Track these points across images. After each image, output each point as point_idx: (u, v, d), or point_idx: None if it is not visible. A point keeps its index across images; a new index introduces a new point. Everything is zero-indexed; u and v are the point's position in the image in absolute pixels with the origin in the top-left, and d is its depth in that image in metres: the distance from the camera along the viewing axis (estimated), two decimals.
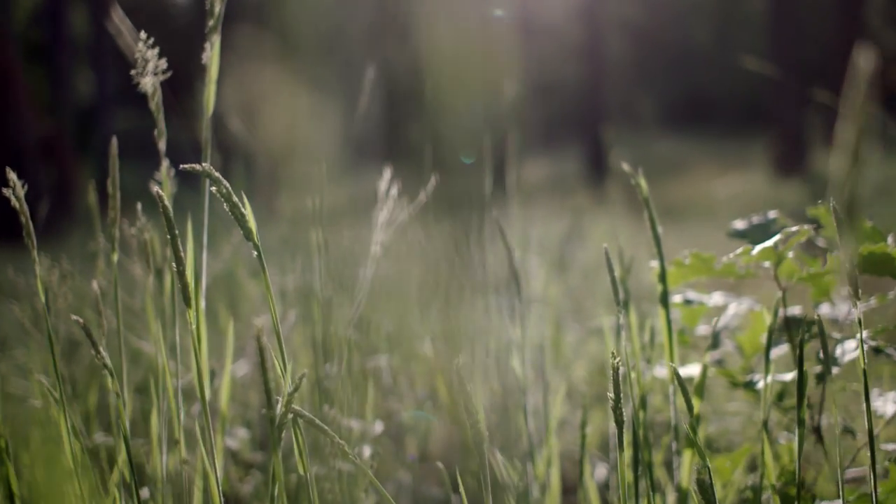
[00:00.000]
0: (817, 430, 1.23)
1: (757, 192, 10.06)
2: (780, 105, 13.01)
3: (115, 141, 1.18)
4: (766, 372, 1.08)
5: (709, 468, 0.83)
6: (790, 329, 1.19)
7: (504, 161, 1.90)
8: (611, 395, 0.81)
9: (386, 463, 1.68)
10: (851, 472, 1.44)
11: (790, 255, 1.12)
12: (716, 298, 1.20)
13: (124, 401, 1.16)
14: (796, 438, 0.95)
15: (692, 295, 1.24)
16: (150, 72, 1.11)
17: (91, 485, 1.21)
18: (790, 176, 11.35)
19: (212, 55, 1.10)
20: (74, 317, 1.03)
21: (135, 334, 1.84)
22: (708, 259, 1.14)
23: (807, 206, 1.22)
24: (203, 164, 0.89)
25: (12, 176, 1.04)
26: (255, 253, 0.89)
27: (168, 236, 0.86)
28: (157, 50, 1.11)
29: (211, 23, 1.11)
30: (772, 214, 1.24)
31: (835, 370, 1.20)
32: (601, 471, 1.71)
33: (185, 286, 0.85)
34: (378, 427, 1.63)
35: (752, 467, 1.56)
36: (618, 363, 0.80)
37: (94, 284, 1.19)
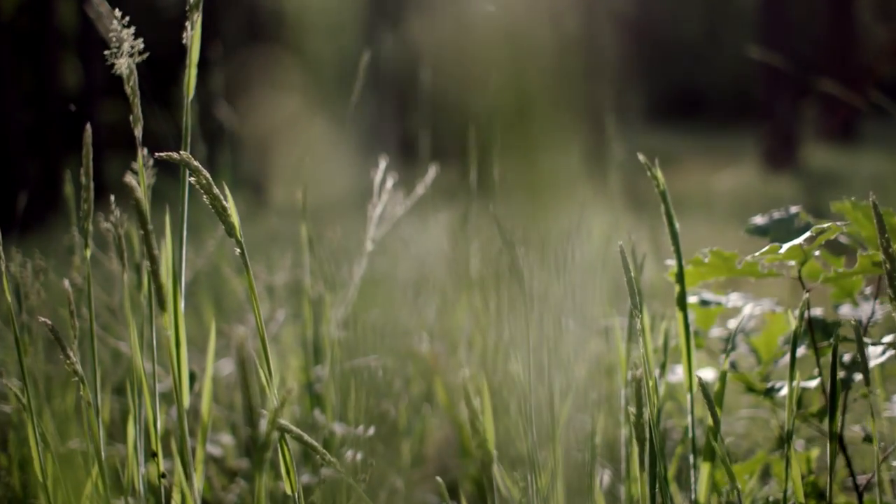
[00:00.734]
0: (839, 439, 1.16)
1: (749, 185, 10.00)
2: (771, 99, 12.96)
3: (88, 128, 1.09)
4: (791, 378, 1.00)
5: (738, 490, 0.75)
6: (812, 331, 1.11)
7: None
8: (632, 409, 0.73)
9: (379, 468, 1.60)
10: (862, 479, 1.37)
11: (816, 253, 1.04)
12: (734, 299, 1.12)
13: (97, 409, 1.07)
14: (828, 455, 0.88)
15: (708, 295, 1.16)
16: (126, 53, 1.02)
17: (64, 498, 1.13)
18: (781, 170, 11.30)
19: (193, 35, 1.01)
20: (42, 319, 0.95)
21: (113, 334, 1.75)
22: (729, 257, 1.06)
23: (801, 200, 1.15)
24: (181, 153, 0.81)
25: None
26: (238, 250, 0.80)
27: (141, 232, 0.78)
28: (133, 29, 1.03)
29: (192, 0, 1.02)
30: (793, 209, 1.17)
31: (857, 376, 1.12)
32: (605, 478, 1.63)
33: (159, 287, 0.76)
34: (371, 431, 1.55)
35: (764, 473, 1.49)
36: (639, 375, 0.73)
37: (66, 282, 1.10)
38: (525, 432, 1.04)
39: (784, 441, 1.28)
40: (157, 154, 0.87)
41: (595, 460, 1.09)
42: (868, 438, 1.21)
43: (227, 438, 1.67)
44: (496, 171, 1.61)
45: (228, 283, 2.12)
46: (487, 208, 1.83)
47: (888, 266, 0.83)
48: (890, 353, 1.12)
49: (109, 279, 1.74)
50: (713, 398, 1.00)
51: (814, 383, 1.09)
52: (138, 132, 1.03)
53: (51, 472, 1.15)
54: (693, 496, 1.01)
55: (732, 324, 1.27)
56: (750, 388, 1.18)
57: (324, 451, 0.79)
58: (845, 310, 1.23)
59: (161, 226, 1.03)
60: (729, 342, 1.18)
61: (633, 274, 0.92)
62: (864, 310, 1.19)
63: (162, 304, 0.78)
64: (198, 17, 1.02)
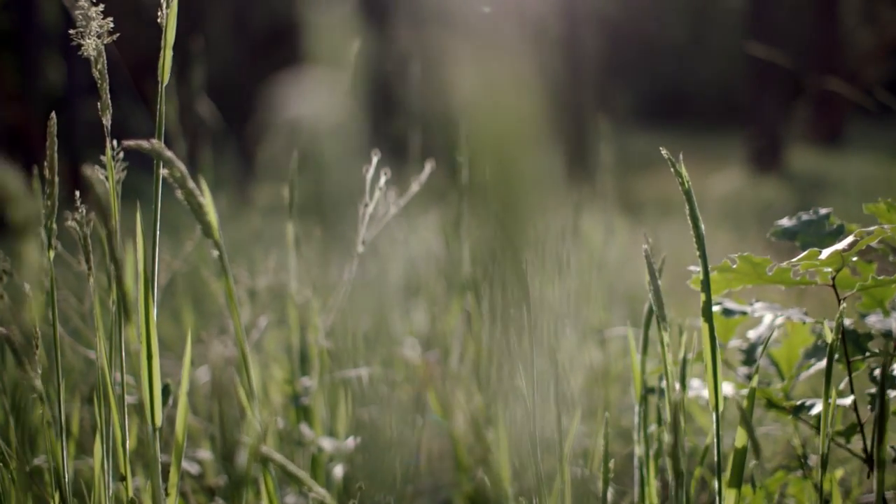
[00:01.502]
0: (870, 459, 1.07)
1: (736, 188, 9.95)
2: (757, 102, 12.93)
3: (53, 118, 0.98)
4: (826, 395, 0.91)
5: None
6: (844, 344, 1.02)
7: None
8: (668, 437, 0.64)
9: (368, 486, 1.50)
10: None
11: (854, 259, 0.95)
12: (759, 308, 1.03)
13: (61, 426, 0.97)
14: (875, 484, 0.78)
15: (731, 304, 1.07)
16: (93, 33, 0.92)
17: None
18: (767, 172, 11.27)
19: (168, 13, 0.91)
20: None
21: (84, 342, 1.64)
22: (760, 263, 0.96)
23: (792, 202, 1.06)
24: (152, 140, 0.71)
25: None
26: (217, 252, 0.70)
27: (105, 232, 0.68)
28: (101, 6, 0.92)
29: None
30: (822, 211, 1.08)
31: (892, 393, 1.03)
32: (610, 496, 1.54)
33: (123, 296, 0.66)
34: (360, 444, 1.45)
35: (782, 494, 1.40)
36: (677, 398, 0.63)
37: (27, 286, 1.00)
38: (532, 455, 0.94)
39: (805, 462, 1.18)
40: (125, 143, 0.77)
41: (608, 485, 0.99)
42: None
43: (205, 454, 1.57)
44: (485, 173, 1.52)
45: (208, 285, 2.01)
46: (478, 210, 1.74)
47: None
48: None
49: (82, 281, 1.64)
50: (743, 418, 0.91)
51: (848, 401, 1.00)
52: (107, 121, 0.93)
53: (13, 494, 1.05)
54: None
55: (752, 335, 1.18)
56: (772, 405, 1.08)
57: (310, 481, 0.70)
58: (872, 319, 1.14)
59: (133, 225, 0.93)
60: (752, 355, 1.08)
61: (658, 283, 0.83)
62: None
63: (126, 313, 0.68)
64: None
